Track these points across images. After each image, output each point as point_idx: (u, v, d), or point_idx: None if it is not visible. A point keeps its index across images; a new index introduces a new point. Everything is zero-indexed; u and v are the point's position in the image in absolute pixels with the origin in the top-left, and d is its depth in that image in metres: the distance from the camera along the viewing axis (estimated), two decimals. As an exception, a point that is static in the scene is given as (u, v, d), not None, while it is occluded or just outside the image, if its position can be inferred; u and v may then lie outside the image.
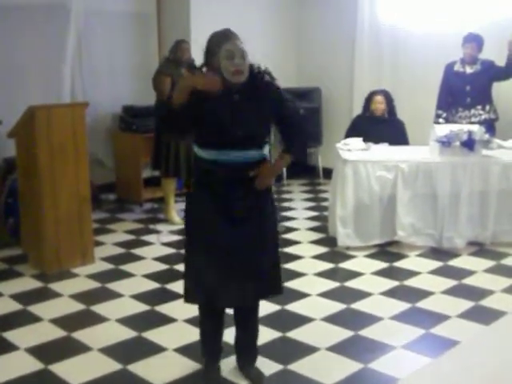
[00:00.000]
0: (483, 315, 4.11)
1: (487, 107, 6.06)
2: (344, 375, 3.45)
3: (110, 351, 3.73)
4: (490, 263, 5.07)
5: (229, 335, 3.57)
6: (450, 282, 4.69)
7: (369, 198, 5.32)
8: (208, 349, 3.49)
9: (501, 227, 5.37)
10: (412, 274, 4.88)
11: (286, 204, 6.96)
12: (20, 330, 4.00)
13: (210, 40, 3.21)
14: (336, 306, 4.32)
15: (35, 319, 4.15)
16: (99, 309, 4.31)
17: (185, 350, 3.74)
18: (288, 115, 3.29)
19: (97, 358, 3.66)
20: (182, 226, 6.03)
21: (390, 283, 4.70)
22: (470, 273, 4.88)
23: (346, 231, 5.34)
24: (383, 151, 5.65)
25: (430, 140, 5.48)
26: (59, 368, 3.55)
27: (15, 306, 4.35)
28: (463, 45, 6.08)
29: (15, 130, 4.99)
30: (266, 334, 3.87)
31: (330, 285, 4.69)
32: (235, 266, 3.16)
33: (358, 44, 7.52)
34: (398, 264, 5.10)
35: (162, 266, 5.09)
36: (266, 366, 3.55)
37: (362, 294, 4.50)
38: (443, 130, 5.41)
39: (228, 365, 3.55)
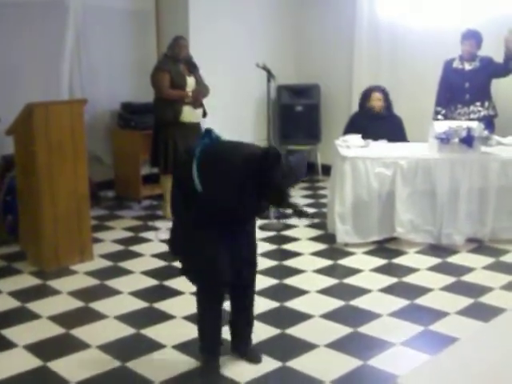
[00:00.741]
0: (482, 312, 4.11)
1: (486, 104, 6.06)
2: (343, 372, 3.45)
3: (109, 348, 3.72)
4: (488, 260, 5.07)
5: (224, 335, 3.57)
6: (449, 279, 4.69)
7: (367, 194, 5.32)
8: (208, 345, 3.51)
9: (500, 224, 5.37)
10: (411, 270, 4.87)
11: (284, 201, 6.94)
12: (18, 327, 4.00)
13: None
14: (335, 303, 4.31)
15: (34, 316, 4.15)
16: (98, 306, 4.31)
17: (183, 347, 3.73)
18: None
19: (95, 355, 3.66)
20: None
21: (389, 280, 4.70)
22: (468, 269, 4.87)
23: (345, 228, 5.33)
24: (382, 148, 5.64)
25: (429, 137, 5.48)
26: (58, 365, 3.55)
27: (14, 304, 4.35)
28: (462, 41, 6.08)
29: (13, 127, 4.98)
30: (264, 331, 3.88)
31: (329, 281, 4.69)
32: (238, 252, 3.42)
33: (357, 41, 7.52)
34: (397, 261, 5.10)
35: (161, 263, 5.09)
36: (265, 362, 3.55)
37: (360, 291, 4.50)
38: (442, 126, 5.41)
39: (224, 361, 3.55)
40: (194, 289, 4.07)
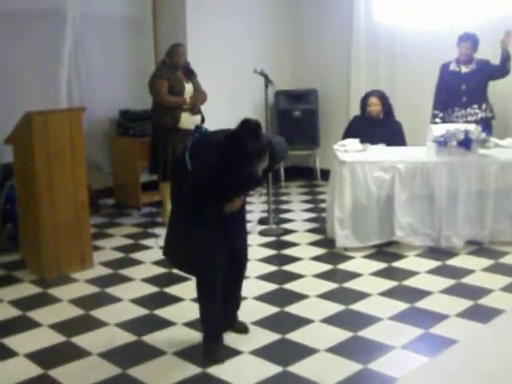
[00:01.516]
0: (482, 314, 4.10)
1: (483, 106, 6.07)
2: (344, 376, 3.45)
3: (110, 356, 3.73)
4: (488, 262, 5.07)
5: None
6: (449, 282, 4.69)
7: (366, 198, 5.33)
8: (215, 329, 3.74)
9: (499, 226, 5.38)
10: (410, 273, 4.88)
11: (284, 206, 6.96)
12: (19, 336, 4.00)
13: (247, 151, 3.35)
14: (335, 307, 4.32)
15: (34, 325, 4.15)
16: (98, 313, 4.31)
17: (184, 354, 3.73)
18: None
19: (96, 363, 3.67)
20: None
21: (389, 283, 4.71)
22: (468, 272, 4.88)
23: (344, 232, 5.34)
24: (380, 152, 5.66)
25: (427, 140, 5.49)
26: (59, 373, 3.55)
27: (14, 312, 4.35)
28: (458, 44, 6.10)
29: (12, 136, 4.99)
30: (265, 336, 3.88)
31: (329, 286, 4.69)
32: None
33: (354, 45, 7.54)
34: (397, 264, 5.10)
35: (161, 270, 5.09)
36: (266, 368, 3.55)
37: (360, 295, 4.51)
38: (440, 129, 5.42)
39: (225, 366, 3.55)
40: (194, 295, 4.09)
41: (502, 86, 6.29)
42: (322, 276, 4.89)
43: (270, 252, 5.44)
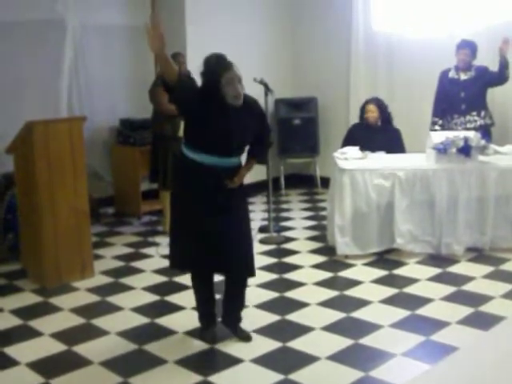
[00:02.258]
0: (483, 321, 4.11)
1: (482, 113, 6.09)
2: (345, 384, 3.46)
3: (111, 364, 3.73)
4: (488, 269, 5.07)
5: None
6: (449, 289, 4.70)
7: (366, 206, 5.34)
8: (203, 313, 4.00)
9: (499, 233, 5.38)
10: (411, 281, 4.88)
11: (284, 214, 6.97)
12: (20, 345, 4.01)
13: (209, 67, 3.75)
14: (336, 315, 4.32)
15: (36, 334, 4.15)
16: (99, 322, 4.31)
17: (185, 362, 3.73)
18: (264, 128, 3.97)
19: (97, 372, 3.66)
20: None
21: (390, 291, 4.71)
22: (468, 279, 4.88)
23: (345, 240, 5.35)
24: (380, 159, 5.67)
25: (427, 147, 5.50)
26: (60, 382, 3.55)
27: (15, 321, 4.35)
28: (457, 51, 6.12)
29: (13, 145, 5.01)
30: (266, 344, 3.88)
31: (330, 294, 4.69)
32: (217, 244, 3.76)
33: (353, 53, 7.56)
34: (397, 271, 5.10)
35: (162, 279, 5.10)
36: (267, 376, 3.55)
37: (361, 303, 4.51)
38: (439, 137, 5.43)
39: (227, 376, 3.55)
40: (195, 304, 4.10)
41: (501, 93, 6.31)
42: (322, 284, 4.90)
43: (270, 260, 5.45)
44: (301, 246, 5.79)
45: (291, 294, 4.69)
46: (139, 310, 4.50)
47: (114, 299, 4.70)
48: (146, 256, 5.67)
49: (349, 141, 6.08)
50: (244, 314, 4.05)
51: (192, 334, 4.06)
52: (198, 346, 3.91)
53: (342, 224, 5.33)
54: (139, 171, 6.72)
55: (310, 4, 7.96)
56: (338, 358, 3.74)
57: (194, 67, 3.95)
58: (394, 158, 5.75)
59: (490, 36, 6.25)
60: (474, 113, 6.08)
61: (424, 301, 4.50)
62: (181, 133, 5.99)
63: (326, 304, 4.51)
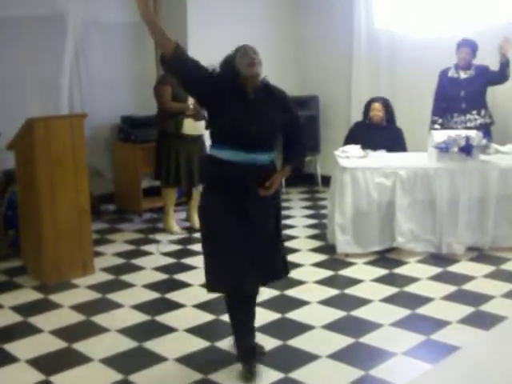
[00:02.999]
0: (483, 320, 4.10)
1: (482, 112, 6.08)
2: (345, 382, 3.45)
3: (111, 362, 3.72)
4: (489, 268, 5.07)
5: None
6: (450, 288, 4.69)
7: (367, 204, 5.33)
8: (242, 346, 3.58)
9: (500, 232, 5.38)
10: (412, 280, 4.88)
11: (285, 212, 6.95)
12: (20, 342, 4.00)
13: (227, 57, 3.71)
14: (336, 314, 4.32)
15: (36, 331, 4.15)
16: (99, 319, 4.31)
17: (186, 360, 3.73)
18: (292, 119, 3.59)
19: (97, 369, 3.66)
20: (181, 236, 6.10)
21: (390, 290, 4.70)
22: (469, 278, 4.88)
23: (345, 238, 5.34)
24: (381, 158, 5.66)
25: (428, 146, 5.50)
26: (60, 379, 3.55)
27: (15, 318, 4.35)
28: (457, 50, 6.12)
29: (14, 142, 5.00)
30: (266, 343, 3.88)
31: (330, 292, 4.69)
32: (251, 257, 3.42)
33: (355, 52, 7.55)
34: (398, 270, 5.10)
35: (162, 276, 5.09)
36: (268, 374, 3.55)
37: (361, 301, 4.51)
38: (441, 136, 5.42)
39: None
40: (195, 301, 4.09)
41: (501, 92, 6.30)
42: (323, 282, 4.89)
43: (271, 258, 5.44)
44: (301, 245, 5.79)
45: (291, 293, 4.69)
46: (140, 307, 4.50)
47: (115, 296, 4.69)
48: (146, 253, 5.66)
49: (350, 139, 6.09)
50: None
51: (193, 331, 4.06)
52: (199, 343, 3.90)
53: (343, 222, 5.33)
54: (140, 168, 6.72)
55: (313, 2, 7.94)
56: (339, 356, 3.73)
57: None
58: (396, 156, 5.74)
59: (491, 36, 6.22)
60: (474, 112, 6.08)
61: (424, 300, 4.49)
62: (184, 130, 6.00)
63: (327, 302, 4.51)
